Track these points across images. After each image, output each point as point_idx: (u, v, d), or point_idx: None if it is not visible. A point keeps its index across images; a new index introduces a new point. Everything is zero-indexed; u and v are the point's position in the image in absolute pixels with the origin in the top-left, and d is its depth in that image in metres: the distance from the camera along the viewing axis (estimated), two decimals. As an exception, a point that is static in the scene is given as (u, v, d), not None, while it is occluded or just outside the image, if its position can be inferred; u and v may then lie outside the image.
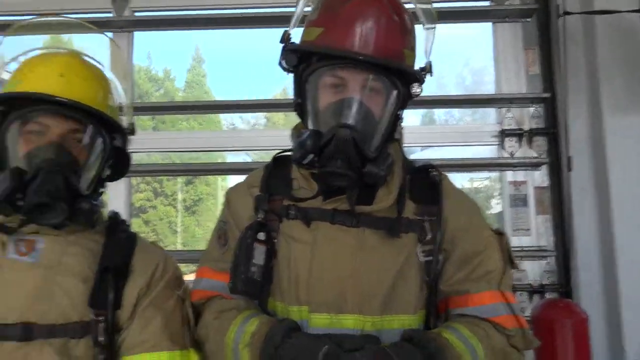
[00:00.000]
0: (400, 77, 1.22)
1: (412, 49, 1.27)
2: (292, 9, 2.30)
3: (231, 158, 3.69)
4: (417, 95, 1.26)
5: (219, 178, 23.77)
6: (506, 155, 2.48)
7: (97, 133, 1.28)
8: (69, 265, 1.22)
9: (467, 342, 1.14)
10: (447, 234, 1.25)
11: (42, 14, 1.40)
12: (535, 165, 2.46)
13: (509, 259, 1.28)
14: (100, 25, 1.58)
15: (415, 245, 1.23)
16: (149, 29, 2.62)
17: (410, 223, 1.23)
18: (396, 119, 1.26)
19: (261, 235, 1.24)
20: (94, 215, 1.24)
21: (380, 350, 1.07)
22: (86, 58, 1.36)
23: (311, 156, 1.17)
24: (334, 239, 1.21)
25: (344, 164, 1.14)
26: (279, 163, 1.37)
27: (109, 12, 2.56)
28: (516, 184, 2.47)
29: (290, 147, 1.32)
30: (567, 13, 2.33)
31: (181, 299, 1.33)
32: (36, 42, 1.42)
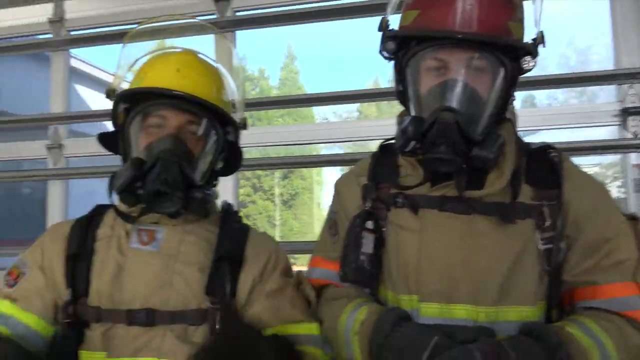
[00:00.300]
0: (508, 53, 1.15)
1: (520, 20, 1.19)
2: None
3: (324, 151, 3.71)
4: (530, 70, 1.18)
5: (314, 172, 24.24)
6: (629, 135, 2.26)
7: (211, 126, 1.33)
8: (187, 254, 1.28)
9: (595, 337, 1.05)
10: (570, 219, 1.16)
11: (152, 20, 1.46)
12: (663, 146, 2.22)
13: None
14: (205, 28, 1.63)
15: (534, 232, 1.15)
16: (250, 28, 2.68)
17: (526, 208, 1.16)
18: (506, 98, 1.19)
19: (369, 224, 1.23)
20: (206, 205, 1.29)
21: (496, 343, 1.01)
22: (201, 56, 1.41)
23: (413, 143, 1.14)
24: (442, 226, 1.17)
25: (449, 149, 1.10)
26: (386, 151, 1.35)
27: (212, 14, 2.65)
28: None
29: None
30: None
31: (297, 284, 1.36)
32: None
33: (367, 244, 1.22)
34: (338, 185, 1.43)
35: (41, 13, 2.83)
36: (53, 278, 1.27)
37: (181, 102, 1.27)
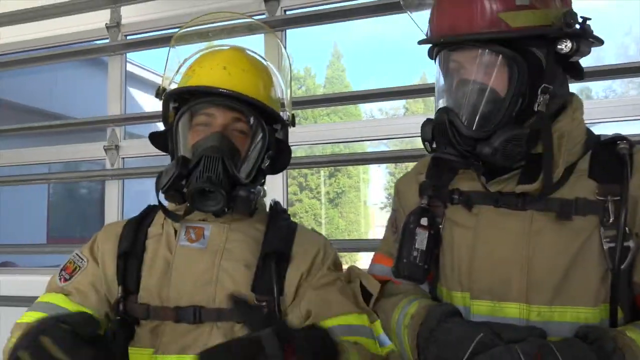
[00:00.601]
0: (511, 45, 1.12)
1: (520, 6, 1.12)
2: None
3: (370, 149, 3.69)
4: (570, 52, 1.11)
5: (361, 170, 24.18)
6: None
7: (258, 124, 1.32)
8: (233, 251, 1.29)
9: None
10: (638, 217, 1.10)
11: (197, 21, 1.49)
12: None
13: None
14: (255, 27, 1.65)
15: (597, 229, 1.10)
16: (300, 26, 2.68)
17: (589, 204, 1.11)
18: (525, 92, 1.13)
19: (424, 221, 1.24)
20: (251, 203, 1.27)
21: (543, 344, 0.97)
22: (249, 52, 1.42)
23: (427, 144, 1.20)
24: (497, 223, 1.16)
25: (449, 148, 1.13)
26: None
27: (262, 14, 2.68)
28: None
29: None
30: None
31: (347, 281, 1.35)
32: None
33: (421, 241, 1.22)
34: (398, 183, 1.44)
35: (99, 19, 2.94)
36: (105, 275, 1.30)
37: (227, 100, 1.28)
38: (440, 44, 1.20)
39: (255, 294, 1.24)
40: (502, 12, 1.12)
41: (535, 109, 1.13)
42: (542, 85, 1.13)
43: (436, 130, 1.16)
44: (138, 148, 2.94)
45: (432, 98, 1.34)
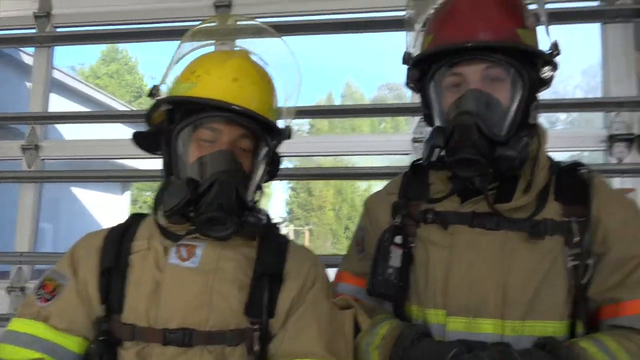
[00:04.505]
0: (522, 59, 1.20)
1: (530, 28, 1.24)
2: (345, 15, 2.30)
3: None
4: (550, 80, 1.23)
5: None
6: (614, 161, 2.38)
7: (264, 140, 1.27)
8: (226, 271, 1.22)
9: (611, 354, 1.07)
10: (599, 236, 1.18)
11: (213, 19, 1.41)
12: (644, 172, 2.35)
13: None
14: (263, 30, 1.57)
15: (562, 248, 1.17)
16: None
17: (555, 225, 1.18)
18: (528, 104, 1.22)
19: (398, 239, 1.26)
20: (259, 229, 1.24)
21: (507, 351, 1.05)
22: (253, 58, 1.36)
23: (437, 151, 1.19)
24: (473, 242, 1.20)
25: (471, 150, 1.13)
26: (417, 170, 1.38)
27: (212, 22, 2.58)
28: (624, 191, 2.36)
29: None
30: (683, 12, 2.23)
31: (338, 306, 1.30)
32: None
33: (395, 258, 1.24)
34: (369, 202, 1.45)
35: (26, 7, 2.69)
36: (87, 293, 1.20)
37: (238, 117, 1.22)
38: (459, 54, 1.20)
39: (249, 316, 1.20)
40: (519, 29, 1.21)
41: (530, 122, 1.23)
42: (534, 102, 1.23)
43: (458, 132, 1.15)
44: (63, 150, 2.71)
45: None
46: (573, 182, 1.24)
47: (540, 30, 1.27)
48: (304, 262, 1.31)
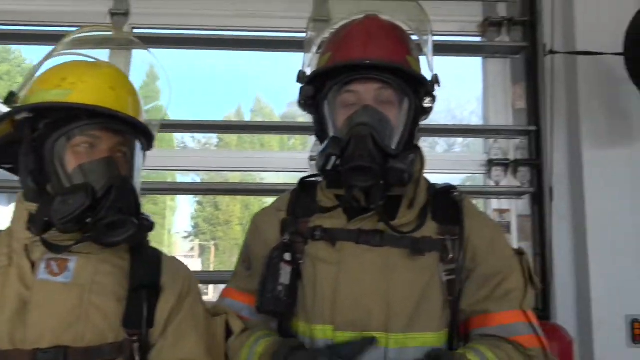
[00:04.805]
0: (409, 83, 1.29)
1: (416, 58, 1.35)
2: (256, 34, 2.38)
3: (180, 178, 3.68)
4: (430, 110, 1.33)
5: (168, 198, 23.27)
6: (492, 184, 2.58)
7: (141, 148, 1.30)
8: (103, 285, 1.19)
9: None
10: (469, 254, 1.29)
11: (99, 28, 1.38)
12: (519, 195, 2.57)
13: (530, 278, 1.32)
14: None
15: (438, 264, 1.26)
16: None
17: (433, 242, 1.27)
18: (413, 127, 1.32)
19: (287, 256, 1.28)
20: (150, 231, 1.25)
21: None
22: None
23: (333, 159, 1.21)
24: (359, 258, 1.25)
25: (368, 159, 1.18)
26: (305, 187, 1.42)
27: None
28: (501, 211, 2.57)
29: (315, 173, 1.42)
30: (552, 52, 2.47)
31: (211, 314, 1.34)
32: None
33: (285, 275, 1.26)
34: (256, 219, 1.46)
35: None
36: None
37: (118, 124, 1.22)
38: (354, 71, 1.27)
39: (126, 328, 1.17)
40: (409, 56, 1.31)
41: (414, 144, 1.32)
42: (417, 127, 1.33)
43: (355, 141, 1.20)
44: None
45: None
46: (447, 203, 1.34)
47: (425, 64, 1.38)
48: (179, 272, 1.33)
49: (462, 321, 1.30)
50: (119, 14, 2.48)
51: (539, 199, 2.51)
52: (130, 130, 1.26)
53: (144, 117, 1.34)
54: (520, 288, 1.29)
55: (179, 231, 26.89)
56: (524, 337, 1.24)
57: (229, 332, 1.33)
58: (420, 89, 1.32)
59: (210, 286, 7.45)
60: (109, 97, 1.22)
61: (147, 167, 2.55)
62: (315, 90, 1.33)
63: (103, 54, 1.65)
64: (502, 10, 2.66)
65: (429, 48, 1.43)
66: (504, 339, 1.24)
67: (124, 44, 2.23)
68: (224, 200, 24.46)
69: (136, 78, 1.42)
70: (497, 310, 1.26)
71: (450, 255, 1.27)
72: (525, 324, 1.26)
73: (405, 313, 1.22)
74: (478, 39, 2.68)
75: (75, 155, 1.19)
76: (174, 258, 1.39)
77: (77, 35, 1.42)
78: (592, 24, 2.48)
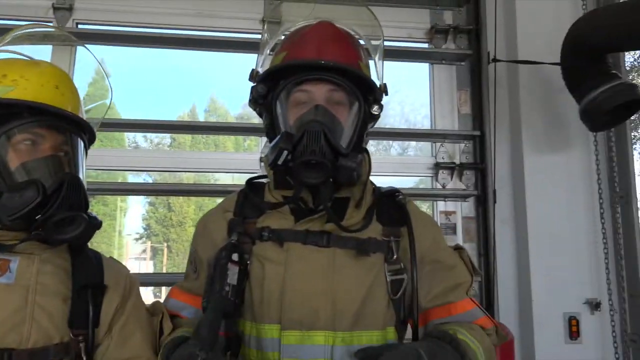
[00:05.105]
0: (360, 87, 1.33)
1: (367, 65, 1.39)
2: (213, 34, 2.38)
3: (132, 179, 3.62)
4: (378, 117, 1.37)
5: (119, 198, 22.68)
6: (439, 186, 2.66)
7: (85, 147, 1.29)
8: (47, 285, 1.17)
9: (475, 343, 1.23)
10: (418, 254, 1.31)
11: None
12: (464, 197, 2.65)
13: (473, 269, 1.40)
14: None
15: (383, 264, 1.30)
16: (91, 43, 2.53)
17: (378, 243, 1.30)
18: (362, 130, 1.35)
19: (235, 256, 1.27)
20: (98, 229, 1.24)
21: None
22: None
23: (285, 154, 1.22)
24: (306, 258, 1.27)
25: (319, 154, 1.19)
26: (253, 188, 1.42)
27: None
28: (447, 213, 2.65)
29: (262, 174, 1.42)
30: (496, 60, 2.57)
31: (150, 313, 1.35)
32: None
33: (232, 275, 1.25)
34: (204, 220, 1.46)
35: None
36: None
37: (63, 122, 1.21)
38: (310, 71, 1.29)
39: (73, 328, 1.16)
40: (360, 62, 1.35)
41: (363, 147, 1.36)
42: (366, 131, 1.37)
43: (307, 137, 1.21)
44: None
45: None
46: (391, 206, 1.38)
47: (375, 72, 1.42)
48: (121, 272, 1.34)
49: (420, 315, 1.33)
50: (62, 9, 2.42)
51: (483, 201, 2.61)
52: (75, 129, 1.25)
53: (84, 116, 1.33)
54: (467, 279, 1.37)
55: (131, 233, 26.30)
56: (482, 320, 1.33)
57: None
58: (369, 96, 1.36)
59: (163, 288, 7.32)
60: (54, 95, 1.21)
61: (98, 166, 2.58)
62: (267, 89, 1.35)
63: (45, 51, 1.61)
64: (448, 18, 2.75)
65: (379, 54, 1.47)
66: (469, 323, 1.31)
67: (65, 40, 2.19)
68: (177, 201, 24.04)
69: (84, 75, 1.39)
70: (456, 299, 1.33)
71: (395, 256, 1.30)
72: (477, 308, 1.34)
73: (351, 311, 1.24)
74: (425, 45, 2.75)
75: (17, 154, 1.16)
76: (113, 259, 1.39)
77: (17, 33, 1.38)
78: (533, 34, 2.60)
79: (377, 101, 1.36)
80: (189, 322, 1.34)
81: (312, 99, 1.29)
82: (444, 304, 1.33)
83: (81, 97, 1.36)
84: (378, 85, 1.37)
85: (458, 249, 1.43)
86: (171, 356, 1.15)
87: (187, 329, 1.30)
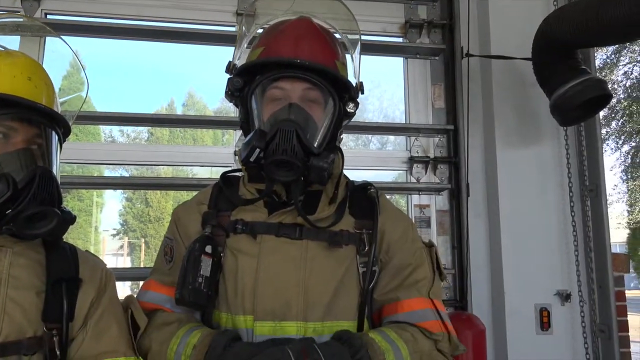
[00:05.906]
0: (335, 86, 1.34)
1: (344, 64, 1.40)
2: (190, 26, 2.37)
3: (108, 173, 3.57)
4: (353, 114, 1.38)
5: (95, 193, 22.37)
6: (413, 180, 2.68)
7: (59, 140, 1.26)
8: (21, 278, 1.16)
9: (392, 342, 1.23)
10: (383, 246, 1.35)
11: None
12: (438, 191, 2.68)
13: (438, 268, 1.40)
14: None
15: (355, 256, 1.31)
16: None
17: (350, 236, 1.32)
18: (336, 128, 1.36)
19: (208, 249, 1.28)
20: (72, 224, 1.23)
21: (308, 344, 1.15)
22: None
23: (257, 152, 1.23)
24: (279, 250, 1.28)
25: (291, 153, 1.21)
26: (228, 182, 1.43)
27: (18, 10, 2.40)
28: (421, 207, 2.68)
29: (237, 168, 1.43)
30: (469, 55, 2.60)
31: (126, 307, 1.33)
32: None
33: (205, 267, 1.27)
34: (178, 212, 1.46)
35: None
36: None
37: (35, 115, 1.19)
38: (286, 68, 1.30)
39: (47, 322, 1.15)
40: (337, 60, 1.36)
41: (336, 145, 1.37)
42: (340, 128, 1.38)
43: (280, 136, 1.22)
44: None
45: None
46: (363, 199, 1.39)
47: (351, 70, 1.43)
48: (97, 266, 1.32)
49: (376, 310, 1.35)
50: (30, -1, 2.37)
51: (456, 195, 2.64)
52: (48, 122, 1.22)
53: (59, 109, 1.30)
54: (429, 278, 1.37)
55: (107, 229, 25.98)
56: (429, 323, 1.31)
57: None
58: (345, 94, 1.37)
59: (141, 282, 7.26)
60: (26, 87, 1.18)
61: (73, 160, 2.54)
62: (243, 82, 1.35)
63: (13, 42, 1.58)
64: (422, 13, 2.76)
65: (357, 50, 1.48)
66: (412, 324, 1.30)
67: (40, 31, 2.15)
68: (155, 196, 23.82)
69: (56, 68, 1.37)
70: (405, 297, 1.32)
71: (367, 248, 1.32)
72: (432, 310, 1.32)
73: (323, 302, 1.26)
74: (400, 39, 2.77)
75: None
76: (89, 252, 1.37)
77: None
78: (506, 29, 2.63)
79: (353, 99, 1.37)
80: (179, 316, 1.33)
81: (287, 97, 1.29)
82: (392, 301, 1.33)
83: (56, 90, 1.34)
84: (354, 84, 1.38)
85: (429, 246, 1.43)
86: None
87: (196, 324, 1.30)
